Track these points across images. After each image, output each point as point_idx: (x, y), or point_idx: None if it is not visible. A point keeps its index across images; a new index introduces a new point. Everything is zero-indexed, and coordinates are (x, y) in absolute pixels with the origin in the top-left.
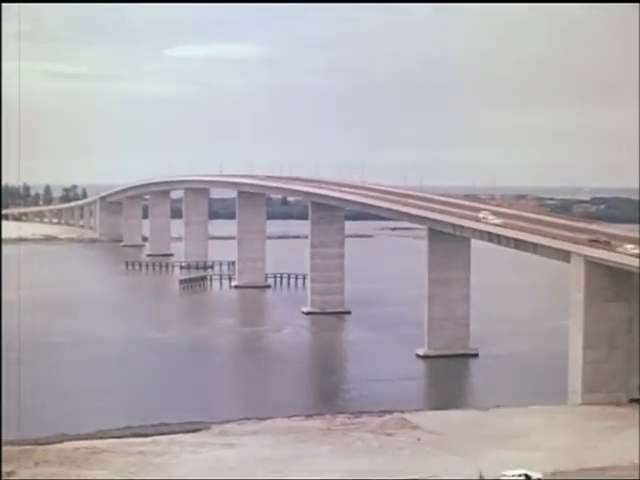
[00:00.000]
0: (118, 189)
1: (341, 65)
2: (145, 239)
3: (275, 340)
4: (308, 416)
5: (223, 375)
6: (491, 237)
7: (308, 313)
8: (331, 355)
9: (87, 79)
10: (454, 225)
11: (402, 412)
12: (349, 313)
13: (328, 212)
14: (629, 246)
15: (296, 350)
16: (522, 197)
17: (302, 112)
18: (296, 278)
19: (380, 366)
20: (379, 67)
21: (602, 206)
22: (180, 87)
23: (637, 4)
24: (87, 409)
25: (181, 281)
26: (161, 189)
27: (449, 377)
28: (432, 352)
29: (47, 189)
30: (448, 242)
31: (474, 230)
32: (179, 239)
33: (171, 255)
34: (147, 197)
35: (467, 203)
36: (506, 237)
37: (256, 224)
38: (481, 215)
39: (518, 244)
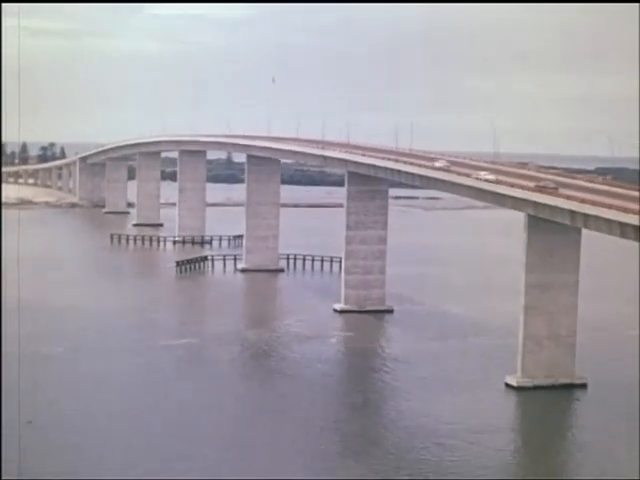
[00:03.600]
0: (100, 149)
1: (327, 26)
2: (130, 205)
3: (303, 354)
4: None
5: (224, 416)
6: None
7: (342, 311)
8: (382, 384)
9: (68, 36)
10: (573, 212)
11: None
12: (391, 312)
13: (369, 186)
14: None
15: (331, 372)
16: (524, 164)
17: (291, 72)
18: (312, 260)
19: (461, 404)
20: (369, 29)
21: (608, 176)
22: (163, 45)
23: (637, 4)
24: None
25: (178, 262)
26: (151, 150)
27: (566, 425)
28: (528, 382)
29: (23, 147)
30: (551, 234)
31: (610, 222)
32: (169, 205)
33: (161, 225)
34: (134, 158)
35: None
36: None
37: (269, 195)
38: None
39: None
